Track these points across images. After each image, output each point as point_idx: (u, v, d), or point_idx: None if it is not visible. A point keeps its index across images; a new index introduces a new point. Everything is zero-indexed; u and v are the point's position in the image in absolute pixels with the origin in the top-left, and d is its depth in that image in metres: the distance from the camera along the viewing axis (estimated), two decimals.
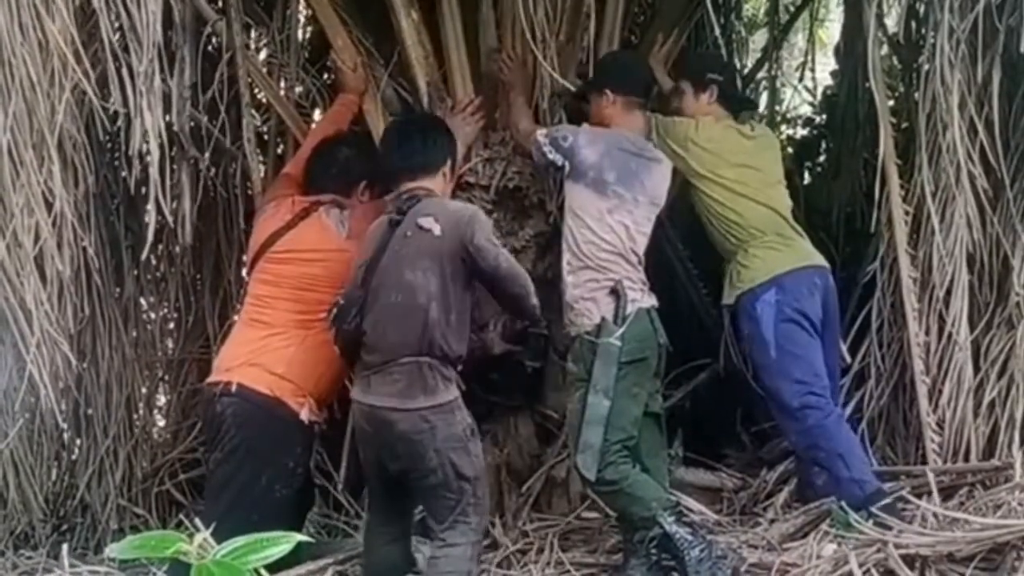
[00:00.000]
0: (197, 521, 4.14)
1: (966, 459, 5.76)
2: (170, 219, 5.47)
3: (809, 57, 9.08)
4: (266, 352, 5.04)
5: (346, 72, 5.75)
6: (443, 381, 4.63)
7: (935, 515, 5.15)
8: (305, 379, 5.04)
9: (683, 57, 6.21)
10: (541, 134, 5.34)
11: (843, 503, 5.15)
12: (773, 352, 5.40)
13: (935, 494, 5.33)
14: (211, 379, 5.13)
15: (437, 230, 4.60)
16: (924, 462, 5.78)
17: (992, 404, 5.88)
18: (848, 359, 5.98)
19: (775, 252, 5.50)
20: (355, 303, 4.68)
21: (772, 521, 5.64)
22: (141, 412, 6.92)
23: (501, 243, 4.87)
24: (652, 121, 5.62)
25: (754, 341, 5.50)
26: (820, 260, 5.64)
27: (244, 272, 5.41)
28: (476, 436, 4.72)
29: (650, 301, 5.19)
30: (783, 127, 9.04)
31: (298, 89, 6.20)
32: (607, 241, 5.12)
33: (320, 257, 5.17)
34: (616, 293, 5.06)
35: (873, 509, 5.08)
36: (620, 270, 5.12)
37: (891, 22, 6.91)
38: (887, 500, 5.17)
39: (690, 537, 4.86)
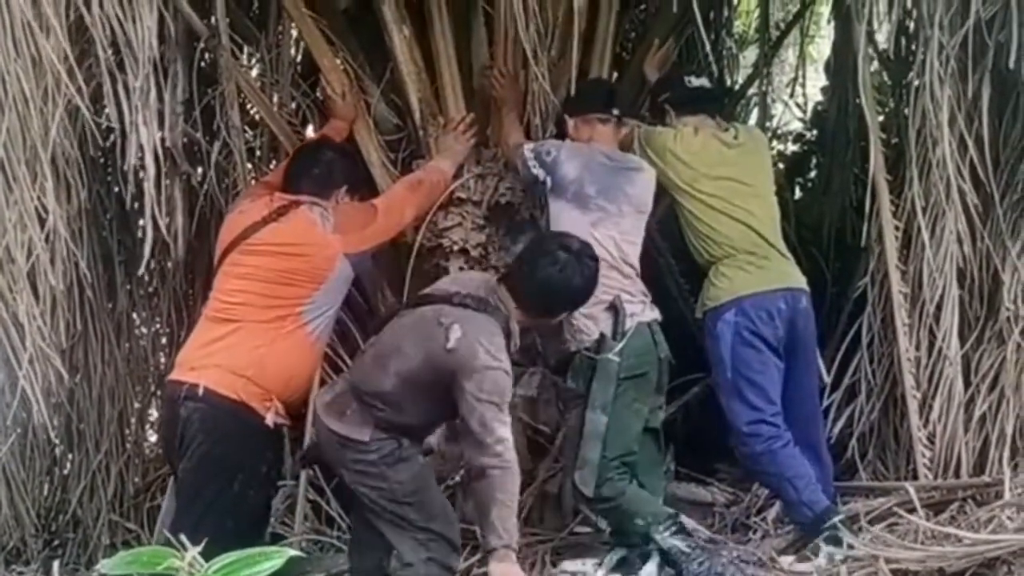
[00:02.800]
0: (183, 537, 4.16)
1: (957, 474, 5.77)
2: (165, 234, 5.47)
3: (800, 73, 9.06)
4: (233, 352, 4.92)
5: (336, 100, 5.77)
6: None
7: (923, 530, 5.17)
8: (273, 382, 4.94)
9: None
10: (527, 148, 5.37)
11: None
12: (728, 372, 5.39)
13: (919, 510, 5.33)
14: (174, 377, 4.99)
15: None
16: (915, 477, 5.79)
17: (983, 419, 5.90)
18: (826, 379, 5.95)
19: (742, 273, 5.45)
20: None
21: (763, 536, 5.67)
22: (133, 427, 6.90)
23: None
24: (635, 131, 5.64)
25: (713, 359, 5.48)
26: (793, 282, 5.57)
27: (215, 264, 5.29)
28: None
29: (651, 315, 5.21)
30: (774, 143, 9.05)
31: (290, 105, 6.21)
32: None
33: (303, 251, 5.07)
34: (614, 308, 5.06)
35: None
36: (615, 283, 5.12)
37: (881, 38, 6.94)
38: (839, 518, 5.19)
39: (687, 550, 4.87)
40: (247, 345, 4.94)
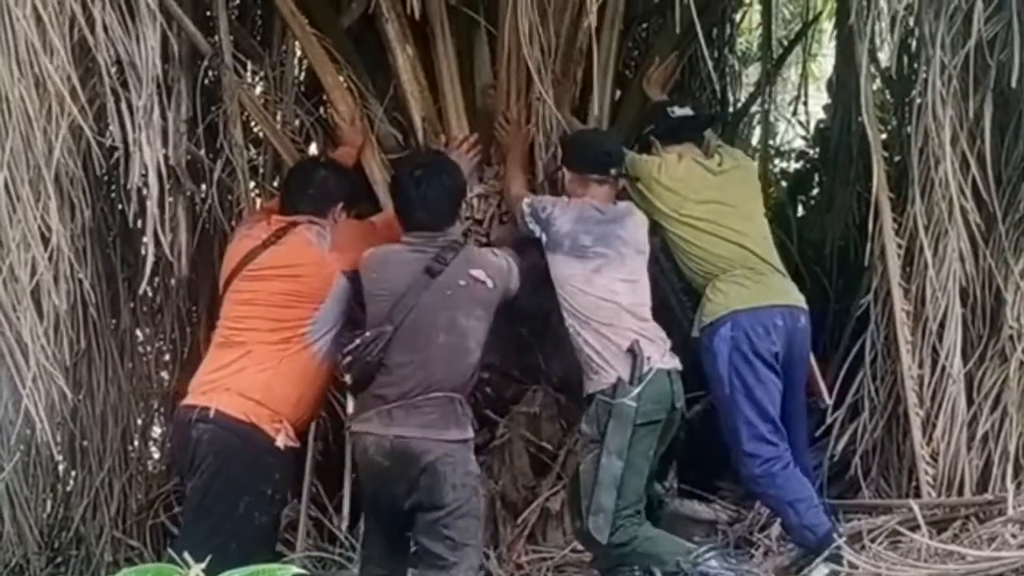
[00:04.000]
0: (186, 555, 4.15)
1: (960, 492, 5.77)
2: (168, 252, 5.48)
3: (802, 91, 9.12)
4: (242, 376, 4.95)
5: (343, 126, 5.80)
6: (467, 419, 4.88)
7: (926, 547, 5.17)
8: (282, 403, 4.96)
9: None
10: (526, 203, 5.39)
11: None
12: (726, 389, 5.36)
13: (922, 527, 5.33)
14: (186, 402, 5.03)
15: (490, 283, 4.89)
16: (918, 495, 5.79)
17: (985, 437, 5.90)
18: (828, 401, 5.92)
19: (738, 288, 5.43)
20: (383, 337, 4.77)
21: (766, 553, 5.66)
22: (136, 444, 6.91)
23: None
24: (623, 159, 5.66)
25: (711, 377, 5.45)
26: (791, 299, 5.55)
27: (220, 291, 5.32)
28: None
29: (671, 363, 5.17)
30: (776, 160, 9.08)
31: (294, 123, 6.23)
32: (603, 298, 5.14)
33: (301, 272, 5.09)
34: (633, 352, 5.06)
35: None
36: (630, 327, 5.12)
37: (884, 57, 6.96)
38: (840, 542, 5.15)
39: (732, 568, 4.87)
40: (255, 368, 4.97)
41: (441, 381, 4.76)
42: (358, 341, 4.80)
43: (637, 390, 4.96)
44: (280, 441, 4.94)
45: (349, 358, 4.82)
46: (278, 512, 5.07)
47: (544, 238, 5.28)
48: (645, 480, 5.03)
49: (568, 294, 5.19)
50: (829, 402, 5.93)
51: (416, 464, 4.67)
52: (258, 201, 6.29)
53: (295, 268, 5.09)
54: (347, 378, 4.89)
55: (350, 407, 5.01)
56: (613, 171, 5.48)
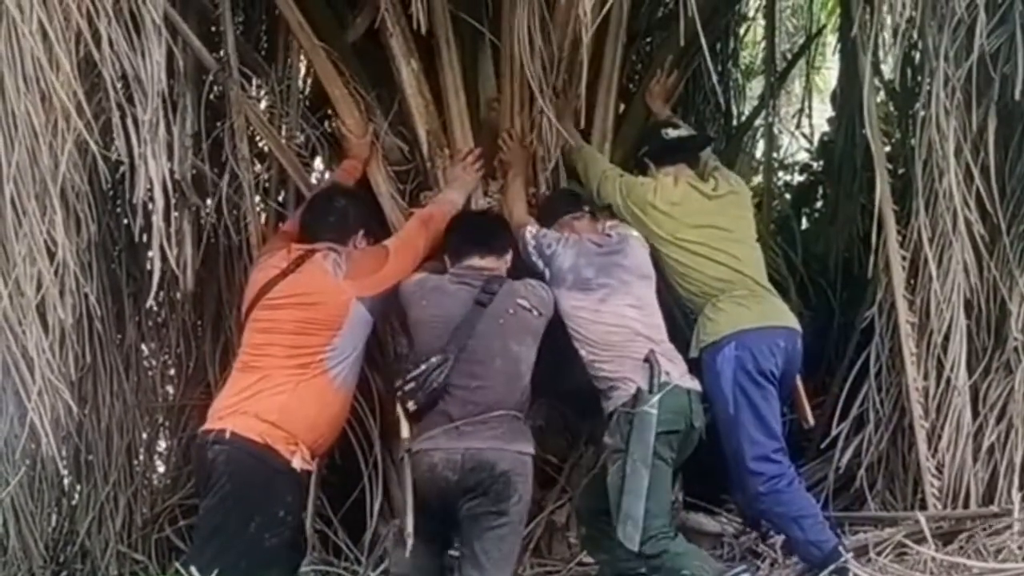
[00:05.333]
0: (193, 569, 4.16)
1: (966, 503, 5.76)
2: (173, 266, 5.49)
3: (806, 104, 9.13)
4: (258, 399, 5.01)
5: (350, 139, 5.83)
6: (531, 436, 5.13)
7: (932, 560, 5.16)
8: (297, 426, 5.01)
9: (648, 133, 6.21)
10: (529, 234, 5.47)
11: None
12: (731, 408, 5.34)
13: (929, 540, 5.34)
14: (205, 427, 5.10)
15: (535, 312, 5.15)
16: (924, 507, 5.78)
17: (991, 448, 5.89)
18: (811, 422, 5.85)
19: (741, 308, 5.44)
20: (447, 364, 4.96)
21: (773, 564, 5.65)
22: (141, 458, 6.92)
23: None
24: (617, 182, 5.70)
25: (714, 395, 5.40)
26: (791, 322, 5.57)
27: (242, 320, 5.37)
28: None
29: (689, 383, 5.20)
30: (780, 173, 9.09)
31: (299, 138, 6.24)
32: (615, 324, 5.19)
33: (317, 300, 5.17)
34: (649, 362, 5.07)
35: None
36: (648, 346, 5.15)
37: (887, 69, 6.96)
38: (847, 556, 5.15)
39: None
40: (271, 391, 5.03)
41: (502, 401, 4.99)
42: (424, 367, 4.95)
43: (656, 398, 4.98)
44: (296, 463, 4.98)
45: (412, 384, 4.96)
46: (290, 534, 5.08)
47: (547, 273, 5.36)
48: (671, 491, 5.04)
49: (578, 325, 5.24)
50: (812, 422, 5.89)
51: (491, 471, 4.86)
52: (263, 215, 6.29)
53: (311, 296, 5.18)
54: (410, 404, 4.98)
55: (405, 432, 5.02)
56: (586, 208, 5.68)
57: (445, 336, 5.01)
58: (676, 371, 5.15)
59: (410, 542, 4.84)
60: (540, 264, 5.38)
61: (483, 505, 4.86)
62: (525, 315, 5.13)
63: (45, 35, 4.28)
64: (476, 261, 5.26)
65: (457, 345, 4.98)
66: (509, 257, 5.39)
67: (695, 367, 5.36)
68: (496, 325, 5.06)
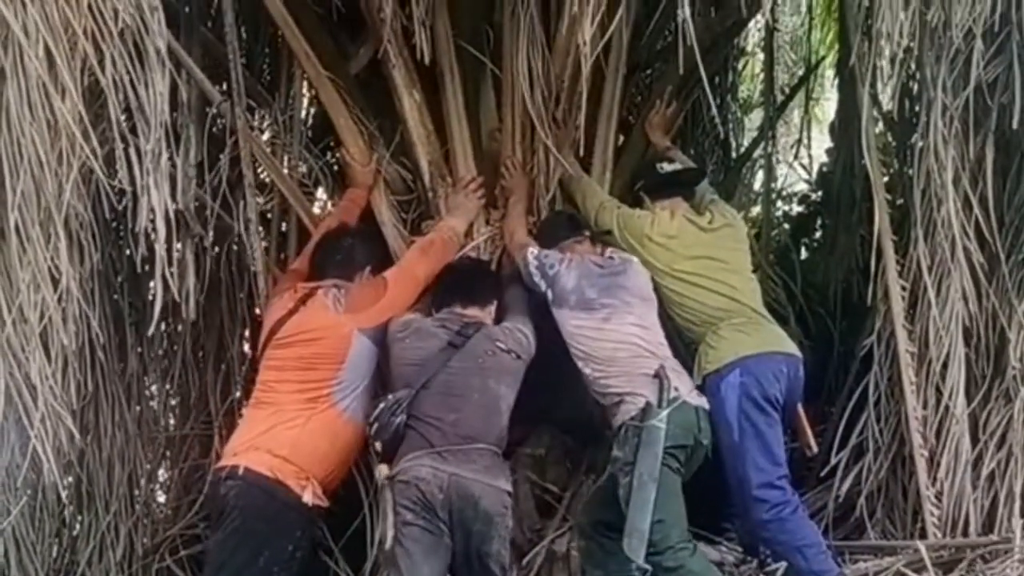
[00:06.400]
0: None
1: (965, 532, 5.75)
2: (176, 296, 5.50)
3: (805, 135, 9.17)
4: (272, 434, 5.10)
5: (355, 167, 5.87)
6: (508, 474, 5.18)
7: None
8: (308, 461, 5.09)
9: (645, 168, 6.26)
10: (531, 255, 5.50)
11: None
12: (735, 435, 5.33)
13: (929, 568, 5.34)
14: (219, 464, 5.19)
15: (514, 355, 5.20)
16: (924, 536, 5.78)
17: (991, 477, 5.88)
18: (815, 449, 5.89)
19: (742, 335, 5.46)
20: (403, 401, 5.03)
21: None
22: (143, 488, 6.90)
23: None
24: (615, 213, 5.74)
25: (717, 422, 5.37)
26: (793, 349, 5.59)
27: (251, 355, 5.45)
28: None
29: (697, 400, 5.22)
30: (779, 204, 9.12)
31: (301, 169, 6.28)
32: (620, 341, 5.22)
33: (319, 335, 5.28)
34: (659, 377, 5.09)
35: None
36: (655, 362, 5.18)
37: (885, 100, 6.99)
38: None
39: None
40: (283, 426, 5.13)
41: (481, 435, 5.03)
42: (382, 406, 5.03)
43: (665, 412, 5.00)
44: (306, 497, 5.05)
45: (376, 424, 5.03)
46: (298, 569, 5.09)
47: (550, 294, 5.39)
48: (683, 503, 5.05)
49: (582, 344, 5.27)
50: (815, 450, 5.91)
51: (475, 508, 4.90)
52: (265, 246, 6.32)
53: (313, 332, 5.29)
54: (377, 445, 5.04)
55: (378, 473, 5.08)
56: (586, 232, 5.72)
57: (418, 374, 5.10)
58: (684, 387, 5.17)
59: (398, 549, 4.86)
60: (543, 285, 5.40)
61: (473, 542, 4.92)
62: (504, 356, 5.18)
63: (52, 61, 4.31)
64: (458, 309, 5.37)
65: (419, 381, 5.07)
66: (493, 309, 5.46)
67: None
68: (475, 363, 5.13)
